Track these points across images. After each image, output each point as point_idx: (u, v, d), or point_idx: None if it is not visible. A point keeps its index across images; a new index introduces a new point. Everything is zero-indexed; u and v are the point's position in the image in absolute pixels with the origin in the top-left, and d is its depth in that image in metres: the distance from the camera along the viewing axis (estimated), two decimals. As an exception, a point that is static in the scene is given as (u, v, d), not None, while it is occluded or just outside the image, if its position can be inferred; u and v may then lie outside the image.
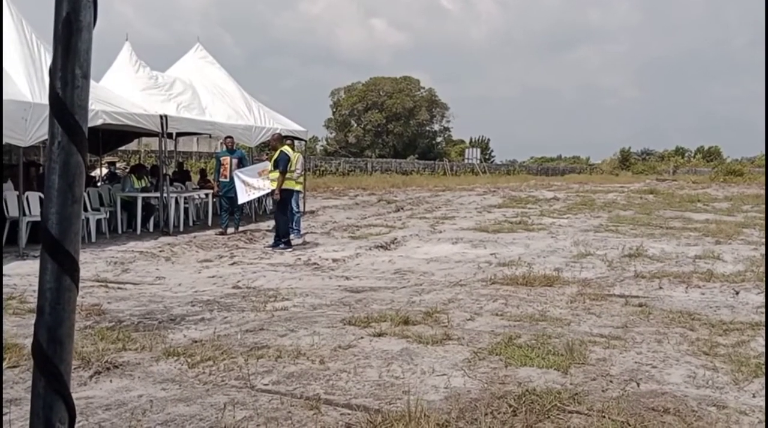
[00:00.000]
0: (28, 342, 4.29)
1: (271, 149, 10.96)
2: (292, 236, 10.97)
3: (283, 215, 10.76)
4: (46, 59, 11.03)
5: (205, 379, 4.06)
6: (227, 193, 12.28)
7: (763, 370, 4.18)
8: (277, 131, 12.21)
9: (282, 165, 10.40)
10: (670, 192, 28.52)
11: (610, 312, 5.91)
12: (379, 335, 4.96)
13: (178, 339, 5.03)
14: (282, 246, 10.50)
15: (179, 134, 15.31)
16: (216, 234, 12.10)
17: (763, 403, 3.67)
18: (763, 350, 4.71)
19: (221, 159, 12.66)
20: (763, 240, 11.78)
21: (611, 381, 3.99)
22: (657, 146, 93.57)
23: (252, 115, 14.78)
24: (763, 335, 5.08)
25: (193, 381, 4.03)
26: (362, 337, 4.95)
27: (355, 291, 6.93)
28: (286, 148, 10.70)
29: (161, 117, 11.46)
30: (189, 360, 4.41)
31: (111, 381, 4.04)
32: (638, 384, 3.94)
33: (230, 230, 12.39)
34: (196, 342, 4.87)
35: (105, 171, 16.71)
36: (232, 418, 3.39)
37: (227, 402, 3.61)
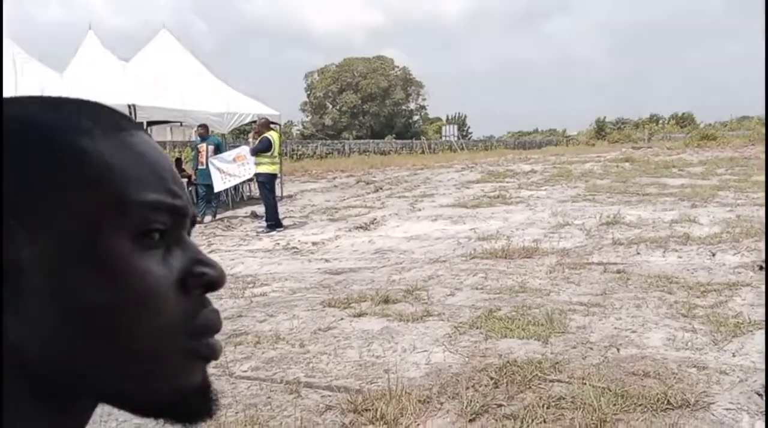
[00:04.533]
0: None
1: (256, 134, 10.86)
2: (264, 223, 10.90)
3: (269, 199, 10.73)
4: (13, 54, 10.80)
5: (183, 369, 4.00)
6: (205, 180, 12.19)
7: (743, 329, 4.20)
8: (263, 117, 12.06)
9: (260, 147, 10.43)
10: (645, 159, 28.67)
11: (588, 280, 5.92)
12: (360, 315, 4.93)
13: (156, 330, 4.95)
14: (270, 228, 10.50)
15: (150, 123, 15.09)
16: (198, 221, 11.96)
17: (743, 362, 3.69)
18: (741, 309, 4.74)
19: (198, 146, 12.62)
20: (739, 201, 11.90)
21: (591, 348, 3.99)
22: (632, 114, 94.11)
23: (224, 101, 14.56)
24: (741, 295, 5.11)
25: (171, 371, 3.96)
26: (342, 318, 4.90)
27: (334, 273, 6.88)
28: (271, 133, 10.71)
29: (129, 106, 11.24)
30: (166, 350, 4.34)
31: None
32: (618, 350, 3.95)
33: (207, 218, 12.25)
34: (173, 332, 4.80)
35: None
36: (211, 406, 3.34)
37: (206, 391, 3.55)
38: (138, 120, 11.65)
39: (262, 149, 10.42)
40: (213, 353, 0.53)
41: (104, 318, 0.46)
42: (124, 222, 0.48)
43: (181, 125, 15.70)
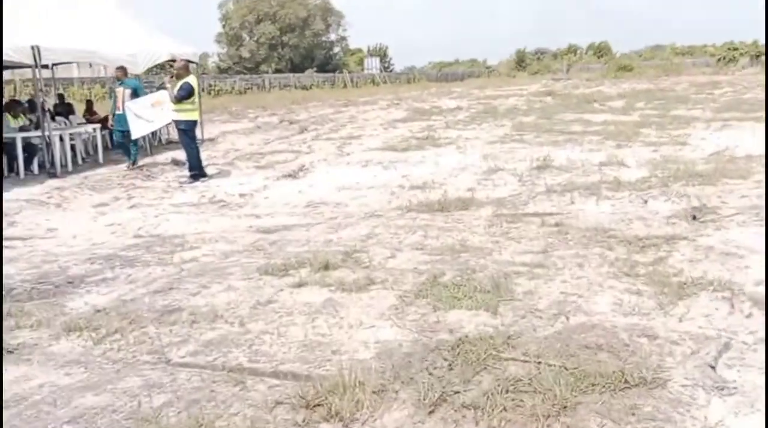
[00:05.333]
0: None
1: (176, 78, 10.21)
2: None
3: (191, 148, 10.21)
4: None
5: (113, 357, 3.71)
6: (122, 126, 11.53)
7: (686, 291, 4.23)
8: (181, 59, 11.29)
9: (184, 94, 9.84)
10: (566, 92, 29.12)
11: (528, 235, 5.87)
12: (300, 285, 4.70)
13: (79, 307, 4.60)
14: (194, 178, 10.04)
15: (56, 62, 14.06)
16: (126, 169, 11.41)
17: (691, 327, 3.71)
18: (681, 266, 4.79)
19: (116, 90, 11.98)
20: (662, 139, 12.17)
21: (541, 317, 3.92)
22: (550, 44, 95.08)
23: (135, 39, 13.63)
24: (680, 250, 5.16)
25: (100, 360, 3.67)
26: (282, 289, 4.67)
27: (267, 232, 6.60)
28: (191, 78, 10.12)
29: (33, 48, 10.33)
30: (93, 335, 4.02)
31: (6, 370, 3.63)
32: (568, 318, 3.89)
33: (124, 166, 11.66)
34: (99, 311, 4.45)
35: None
36: (149, 406, 3.09)
37: (142, 386, 3.30)
38: (43, 62, 10.82)
39: (185, 96, 9.84)
40: None
41: None
42: None
43: (91, 66, 14.65)
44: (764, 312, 3.81)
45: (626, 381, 3.06)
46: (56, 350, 3.88)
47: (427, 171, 9.94)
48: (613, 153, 10.63)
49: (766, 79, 16.70)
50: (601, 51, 78.73)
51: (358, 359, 3.49)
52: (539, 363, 3.27)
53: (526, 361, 3.32)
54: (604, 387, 3.03)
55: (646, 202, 7.03)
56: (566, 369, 3.20)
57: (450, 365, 3.32)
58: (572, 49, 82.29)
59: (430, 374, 3.25)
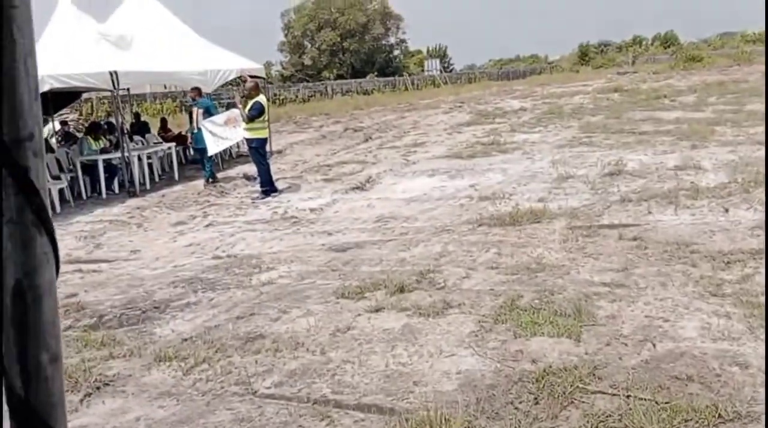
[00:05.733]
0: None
1: (246, 98, 10.53)
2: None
3: (262, 164, 10.46)
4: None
5: (203, 388, 3.84)
6: (198, 144, 12.05)
7: (777, 314, 4.08)
8: (252, 80, 11.61)
9: (256, 114, 10.11)
10: (633, 87, 28.34)
11: (606, 251, 5.76)
12: (377, 310, 4.75)
13: (167, 335, 4.78)
14: (266, 194, 10.27)
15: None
16: (204, 186, 11.76)
17: (784, 355, 3.58)
18: (770, 284, 4.62)
19: (192, 109, 12.57)
20: (739, 138, 11.73)
21: (626, 345, 3.85)
22: (614, 36, 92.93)
23: (205, 58, 14.02)
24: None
25: (190, 392, 3.80)
26: (359, 314, 4.73)
27: (340, 250, 6.69)
28: (261, 97, 10.38)
29: (111, 74, 10.76)
30: (182, 364, 4.17)
31: (104, 402, 3.80)
32: (654, 345, 3.81)
33: (200, 181, 12.02)
34: (186, 339, 4.61)
35: (58, 127, 15.95)
36: (241, 442, 3.19)
37: (232, 420, 3.40)
38: (121, 86, 11.24)
39: (256, 116, 10.11)
40: None
41: None
42: None
43: (165, 87, 15.15)
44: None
45: (720, 416, 2.98)
46: (149, 381, 4.03)
47: (495, 179, 9.88)
48: (689, 155, 10.33)
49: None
50: (667, 41, 76.42)
51: (441, 391, 3.50)
52: (628, 396, 3.22)
53: (614, 395, 3.27)
54: (697, 422, 2.96)
55: (727, 210, 6.80)
56: (657, 403, 3.13)
57: (536, 399, 3.30)
58: (637, 41, 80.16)
59: (516, 409, 3.24)
